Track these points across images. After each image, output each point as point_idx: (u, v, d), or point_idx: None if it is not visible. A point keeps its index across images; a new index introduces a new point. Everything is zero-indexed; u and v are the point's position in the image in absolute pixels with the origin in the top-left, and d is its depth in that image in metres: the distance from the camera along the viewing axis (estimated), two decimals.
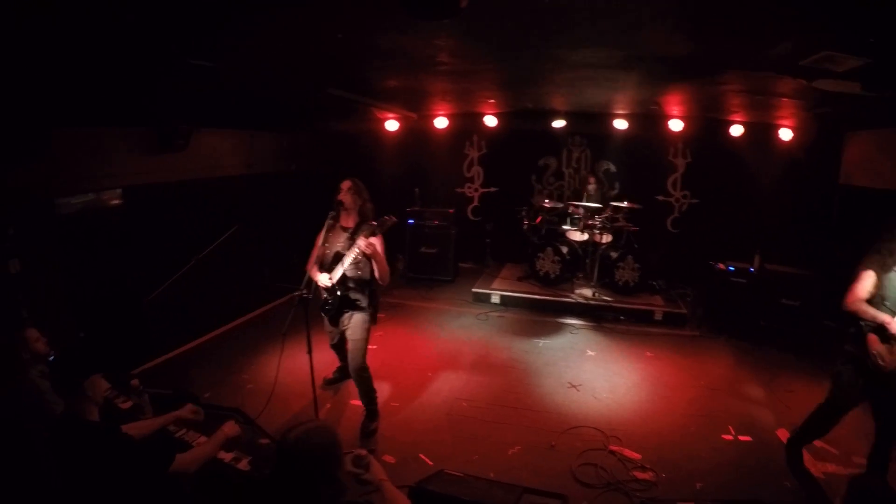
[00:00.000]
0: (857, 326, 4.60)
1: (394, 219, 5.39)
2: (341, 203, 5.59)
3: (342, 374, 6.72)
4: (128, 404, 4.39)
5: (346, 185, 5.64)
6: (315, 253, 5.73)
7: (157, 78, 5.37)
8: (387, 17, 3.70)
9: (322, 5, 3.50)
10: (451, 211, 11.48)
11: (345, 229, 5.65)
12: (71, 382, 3.21)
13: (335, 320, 5.81)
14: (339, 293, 5.61)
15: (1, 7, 2.92)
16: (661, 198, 11.39)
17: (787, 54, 4.37)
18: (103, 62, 4.50)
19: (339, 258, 5.53)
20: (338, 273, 5.53)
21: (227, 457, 4.13)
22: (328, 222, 5.59)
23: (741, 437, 5.87)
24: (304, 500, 2.48)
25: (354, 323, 5.71)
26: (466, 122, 11.59)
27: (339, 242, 5.62)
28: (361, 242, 5.21)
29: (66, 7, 3.09)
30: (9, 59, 3.94)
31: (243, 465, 4.08)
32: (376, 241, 5.32)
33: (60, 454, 3.17)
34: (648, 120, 10.30)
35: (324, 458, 2.51)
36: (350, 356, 5.83)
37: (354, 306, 5.68)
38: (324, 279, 5.55)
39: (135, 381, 4.55)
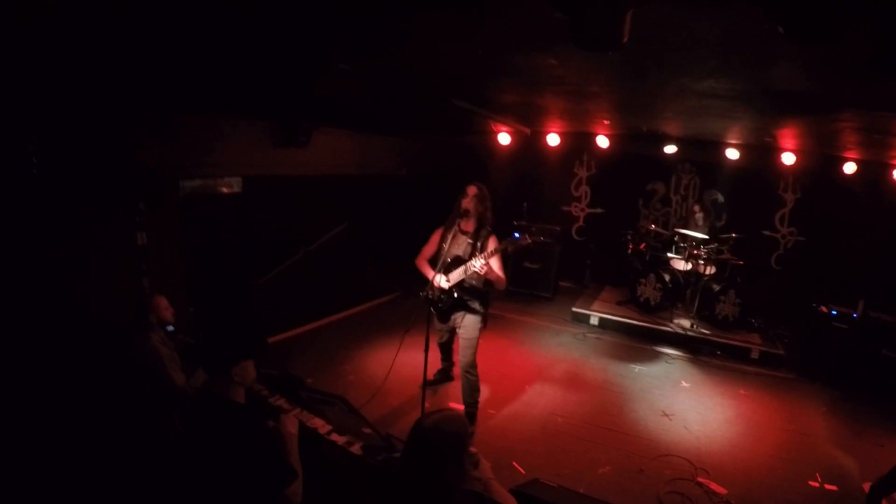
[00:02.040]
0: None
1: (528, 240, 5.48)
2: (465, 210, 5.76)
3: (443, 376, 7.09)
4: (280, 401, 4.74)
5: (471, 190, 5.78)
6: (429, 249, 5.99)
7: (296, 76, 5.60)
8: (542, 39, 3.89)
9: (485, 21, 3.67)
10: (558, 228, 11.66)
11: (464, 233, 5.84)
12: (221, 364, 3.38)
13: (445, 318, 6.07)
14: (454, 294, 5.85)
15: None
16: (767, 233, 11.24)
17: None
18: (253, 57, 4.74)
19: (458, 262, 5.74)
20: (455, 277, 5.76)
21: (340, 440, 4.39)
22: (449, 226, 5.82)
23: (827, 486, 5.91)
24: (431, 482, 2.63)
25: (468, 322, 5.98)
26: (578, 141, 11.69)
27: (458, 246, 5.82)
28: (478, 265, 5.45)
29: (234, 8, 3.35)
30: (160, 45, 4.17)
31: (356, 448, 4.31)
32: (494, 261, 5.54)
33: (197, 426, 3.41)
34: (760, 151, 10.16)
35: (455, 444, 2.68)
36: (462, 353, 6.11)
37: (468, 308, 5.94)
38: (441, 281, 5.78)
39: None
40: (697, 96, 5.91)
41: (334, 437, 4.43)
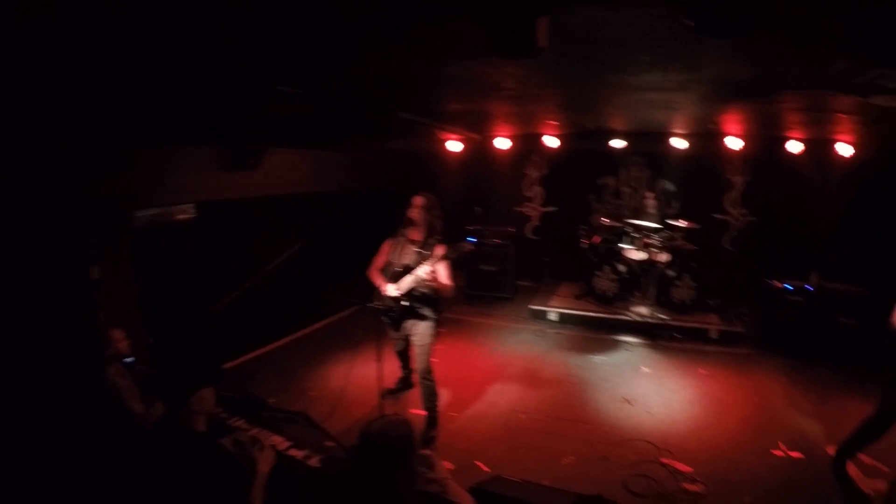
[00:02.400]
0: None
1: (470, 247, 5.63)
2: (412, 220, 5.84)
3: (403, 384, 7.01)
4: (239, 422, 4.66)
5: (418, 201, 5.87)
6: (380, 260, 6.03)
7: (241, 102, 5.57)
8: (465, 50, 3.86)
9: (407, 38, 3.70)
10: (512, 229, 11.72)
11: (413, 242, 5.89)
12: (180, 393, 3.41)
13: (398, 326, 6.07)
14: (405, 303, 5.84)
15: (95, 37, 3.10)
16: (718, 216, 11.39)
17: (841, 73, 4.45)
18: (194, 88, 4.71)
19: (407, 271, 5.76)
20: (405, 286, 5.77)
21: (298, 454, 4.32)
22: (398, 237, 5.93)
23: (792, 453, 5.94)
24: (382, 486, 2.68)
25: (421, 329, 5.98)
26: (527, 143, 11.72)
27: (407, 255, 5.87)
28: (423, 271, 5.53)
29: (167, 43, 3.32)
30: (96, 78, 4.07)
31: (314, 462, 4.25)
32: (441, 267, 5.62)
33: (159, 457, 3.39)
34: (706, 138, 10.22)
35: (402, 448, 2.74)
36: (417, 361, 6.12)
37: (419, 315, 5.94)
38: (391, 290, 5.80)
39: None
40: (636, 91, 5.96)
41: (293, 452, 4.37)
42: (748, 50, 4.04)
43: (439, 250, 5.68)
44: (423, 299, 5.91)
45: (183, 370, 3.69)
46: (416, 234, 5.91)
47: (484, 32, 2.99)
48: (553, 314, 10.33)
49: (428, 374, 6.12)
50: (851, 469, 5.47)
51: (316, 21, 3.26)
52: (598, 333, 9.64)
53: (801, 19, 3.23)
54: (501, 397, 7.20)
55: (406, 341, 6.32)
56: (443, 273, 5.69)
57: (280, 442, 4.44)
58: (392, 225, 6.16)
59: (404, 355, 6.67)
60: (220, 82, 4.61)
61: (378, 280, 5.97)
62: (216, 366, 6.88)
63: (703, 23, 2.75)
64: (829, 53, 4.03)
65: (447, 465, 5.45)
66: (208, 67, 4.12)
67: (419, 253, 5.80)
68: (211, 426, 3.60)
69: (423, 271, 5.57)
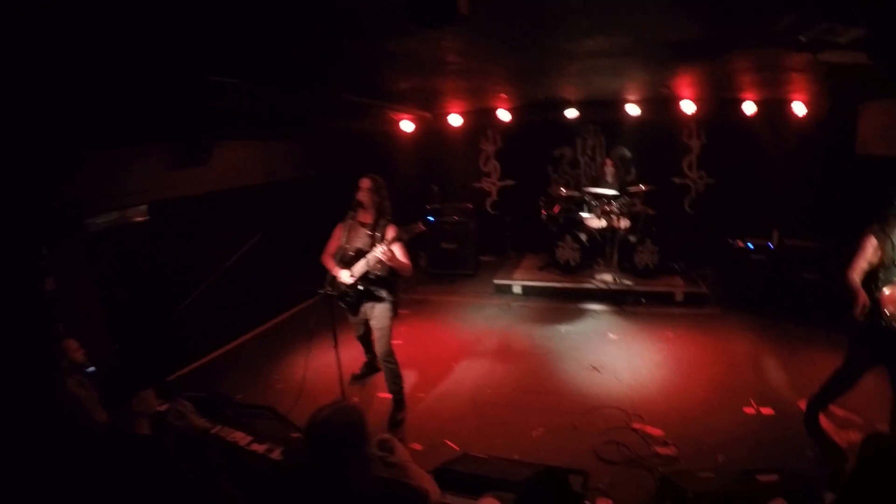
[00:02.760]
0: (871, 291, 4.66)
1: (421, 227, 5.57)
2: (360, 203, 5.74)
3: (369, 368, 6.88)
4: (163, 407, 4.57)
5: (365, 183, 5.77)
6: (332, 246, 5.92)
7: (179, 96, 5.53)
8: (391, 25, 3.81)
9: (330, 17, 3.65)
10: (470, 206, 11.61)
11: (363, 225, 5.78)
12: (119, 397, 3.29)
13: (356, 311, 5.97)
14: (360, 287, 5.75)
15: (28, 34, 3.05)
16: (677, 180, 11.42)
17: (789, 28, 4.40)
18: (126, 84, 4.67)
19: (360, 255, 5.67)
20: (359, 270, 5.67)
21: (260, 448, 4.28)
22: (347, 220, 5.82)
23: (763, 410, 5.92)
24: (335, 475, 2.58)
25: (378, 312, 5.89)
26: (481, 119, 11.69)
27: (358, 239, 5.77)
28: (379, 252, 5.43)
29: (85, 34, 3.23)
30: (38, 85, 4.11)
31: (276, 455, 4.21)
32: (396, 248, 5.53)
33: (106, 465, 3.26)
34: (660, 104, 10.27)
35: (352, 434, 2.62)
36: (377, 344, 6.03)
37: (375, 298, 5.84)
38: (345, 276, 5.70)
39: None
40: (582, 59, 5.92)
41: (255, 446, 4.33)
42: (688, 8, 4.01)
43: (391, 232, 5.61)
44: (379, 282, 5.82)
45: (123, 372, 3.51)
46: (366, 217, 5.82)
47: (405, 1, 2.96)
48: (517, 287, 10.22)
49: (389, 356, 6.02)
50: (824, 422, 5.45)
51: (232, 9, 3.24)
52: (563, 303, 9.56)
53: None
54: (468, 374, 7.07)
55: (366, 325, 6.21)
56: (398, 253, 5.61)
57: (241, 437, 4.43)
58: (347, 211, 6.02)
59: (366, 340, 6.54)
60: (154, 78, 4.58)
61: (332, 266, 5.86)
62: (162, 366, 6.79)
63: None
64: (774, 8, 4.02)
65: (416, 446, 5.43)
66: (140, 64, 4.12)
67: (370, 235, 5.72)
68: (157, 429, 3.47)
69: (377, 253, 5.49)
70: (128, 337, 6.78)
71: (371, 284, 5.78)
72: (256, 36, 3.87)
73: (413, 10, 3.00)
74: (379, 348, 6.02)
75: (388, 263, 5.57)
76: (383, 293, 5.86)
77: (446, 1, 2.94)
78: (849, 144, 9.28)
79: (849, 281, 4.67)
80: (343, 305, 5.96)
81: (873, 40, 4.52)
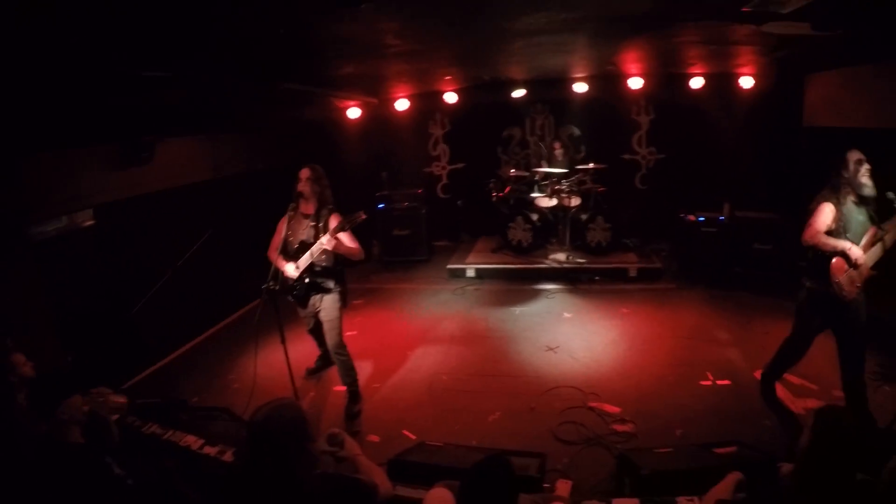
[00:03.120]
0: (816, 260, 4.72)
1: (363, 216, 5.42)
2: (301, 194, 5.62)
3: (324, 362, 6.76)
4: (114, 417, 4.48)
5: (304, 174, 5.63)
6: (276, 240, 5.76)
7: (115, 93, 5.36)
8: (317, 7, 3.77)
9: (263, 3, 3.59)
10: (420, 191, 11.47)
11: (306, 216, 5.67)
12: (46, 406, 3.25)
13: (304, 304, 5.84)
14: (306, 280, 5.63)
15: None
16: (627, 156, 11.46)
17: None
18: (59, 85, 4.55)
19: (304, 247, 5.55)
20: (304, 261, 5.55)
21: (212, 451, 4.27)
22: (289, 213, 5.67)
23: (719, 382, 5.94)
24: (279, 473, 2.55)
25: (326, 304, 5.76)
26: (427, 102, 11.60)
27: (302, 230, 5.65)
28: (325, 240, 5.32)
29: (14, 33, 3.12)
30: None
31: (227, 456, 4.20)
32: (344, 237, 5.42)
33: (39, 477, 3.16)
34: (608, 80, 10.34)
35: (292, 431, 2.60)
36: (327, 336, 5.90)
37: (322, 289, 5.72)
38: (290, 269, 5.59)
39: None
40: (523, 36, 5.88)
41: (206, 449, 4.33)
42: None
43: (333, 221, 5.49)
44: (325, 272, 5.71)
45: (49, 382, 3.53)
46: (308, 208, 5.70)
47: None
48: (471, 271, 10.13)
49: (341, 348, 5.90)
50: (780, 391, 5.55)
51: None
52: (517, 285, 9.52)
53: None
54: (424, 362, 6.97)
55: (316, 318, 6.07)
56: (346, 239, 5.49)
57: (193, 441, 4.44)
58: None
59: (318, 333, 6.40)
60: (87, 76, 4.49)
61: (277, 260, 5.71)
62: (118, 371, 6.56)
63: None
64: None
65: (373, 438, 5.37)
66: (71, 62, 4.02)
67: (314, 226, 5.61)
68: (95, 436, 3.38)
69: (321, 243, 5.37)
70: (81, 344, 6.60)
71: (317, 276, 5.66)
72: (189, 26, 3.75)
73: None
74: (329, 340, 5.89)
75: (337, 251, 5.48)
76: (330, 284, 5.73)
77: None
78: (796, 116, 9.47)
79: (819, 241, 4.64)
80: (291, 299, 5.83)
81: (816, 10, 4.49)
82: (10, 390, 4.32)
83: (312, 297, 5.78)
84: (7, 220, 5.89)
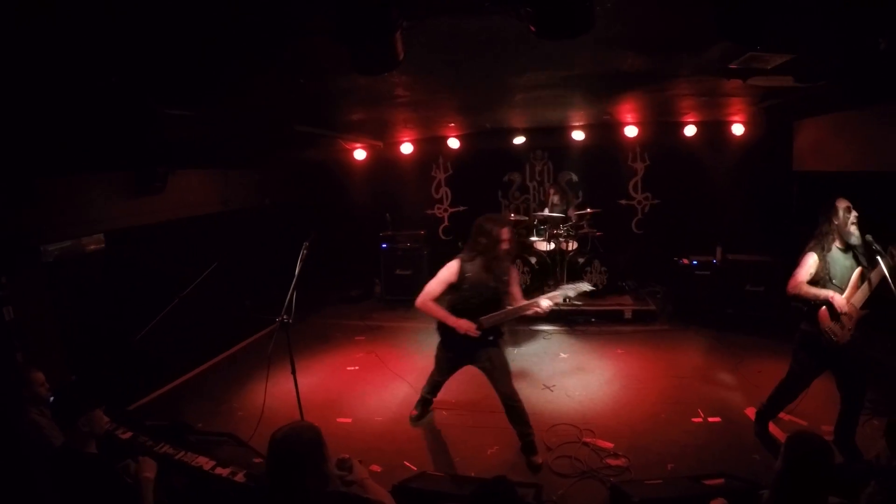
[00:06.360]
0: (810, 305, 4.90)
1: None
2: (507, 251, 5.63)
3: (426, 407, 6.65)
4: (127, 435, 4.67)
5: (506, 232, 5.59)
6: (438, 288, 5.84)
7: (134, 126, 5.47)
8: (342, 66, 3.87)
9: (287, 59, 3.82)
10: (422, 232, 11.66)
11: (488, 270, 5.60)
12: (69, 418, 3.40)
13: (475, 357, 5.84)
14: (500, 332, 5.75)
15: None
16: (623, 202, 11.71)
17: (720, 57, 4.64)
18: (84, 115, 4.71)
19: (495, 299, 5.66)
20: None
21: (224, 472, 4.37)
22: (464, 263, 5.76)
23: (711, 419, 6.09)
24: (294, 490, 2.68)
25: (497, 355, 5.81)
26: (431, 146, 11.89)
27: (487, 282, 5.64)
28: (544, 306, 5.63)
29: (39, 64, 3.27)
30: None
31: (239, 477, 4.29)
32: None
33: (58, 485, 3.32)
34: (604, 129, 10.62)
35: (309, 451, 2.74)
36: (504, 387, 5.77)
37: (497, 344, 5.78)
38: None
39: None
40: (524, 90, 6.17)
41: (218, 470, 4.41)
42: (619, 45, 4.26)
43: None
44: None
45: (72, 396, 3.64)
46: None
47: (350, 51, 3.17)
48: None
49: (516, 396, 5.81)
50: (773, 429, 5.66)
51: (187, 45, 3.36)
52: (515, 325, 9.45)
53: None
54: None
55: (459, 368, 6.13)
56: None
57: (205, 462, 4.52)
58: (303, 238, 5.70)
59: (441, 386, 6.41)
60: (110, 108, 4.61)
61: (436, 310, 5.83)
62: (105, 387, 6.64)
63: (544, 28, 2.97)
64: (702, 41, 4.24)
65: (375, 468, 5.46)
66: (96, 94, 4.14)
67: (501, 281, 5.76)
68: (110, 449, 3.66)
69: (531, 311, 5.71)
70: (85, 366, 6.72)
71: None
72: (216, 73, 3.89)
73: (357, 61, 3.23)
74: (506, 389, 5.76)
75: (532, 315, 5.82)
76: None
77: (385, 52, 3.13)
78: (786, 161, 9.70)
79: (801, 292, 4.86)
80: (463, 350, 5.83)
81: (798, 65, 4.80)
82: (22, 403, 4.46)
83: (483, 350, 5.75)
84: (25, 239, 6.08)
